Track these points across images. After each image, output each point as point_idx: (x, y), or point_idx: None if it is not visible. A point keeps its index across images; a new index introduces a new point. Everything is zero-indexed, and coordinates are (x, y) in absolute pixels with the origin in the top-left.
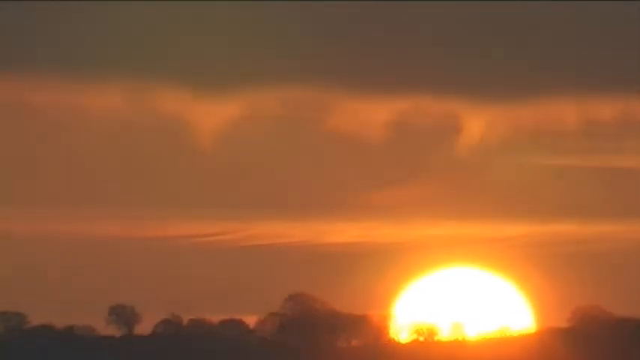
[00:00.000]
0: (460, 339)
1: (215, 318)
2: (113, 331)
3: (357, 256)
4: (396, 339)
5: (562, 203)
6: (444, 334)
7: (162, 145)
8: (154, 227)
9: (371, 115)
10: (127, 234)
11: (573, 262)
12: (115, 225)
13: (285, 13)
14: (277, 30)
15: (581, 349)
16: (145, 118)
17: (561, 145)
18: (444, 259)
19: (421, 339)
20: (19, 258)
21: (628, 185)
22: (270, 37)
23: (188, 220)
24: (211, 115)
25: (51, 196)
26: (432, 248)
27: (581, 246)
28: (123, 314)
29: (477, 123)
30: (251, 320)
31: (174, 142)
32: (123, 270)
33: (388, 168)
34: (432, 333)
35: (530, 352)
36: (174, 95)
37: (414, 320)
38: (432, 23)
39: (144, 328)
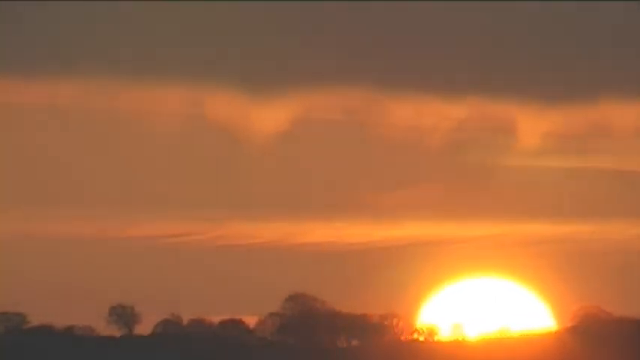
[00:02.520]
0: (460, 339)
1: (215, 318)
2: (113, 331)
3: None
4: (397, 339)
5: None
6: (444, 334)
7: (214, 148)
8: (184, 227)
9: (424, 118)
10: (134, 234)
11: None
12: (121, 225)
13: (340, 15)
14: (331, 32)
15: (582, 349)
16: (201, 122)
17: (619, 147)
18: (468, 263)
19: (421, 339)
20: (19, 258)
21: None
22: (325, 40)
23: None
24: (263, 119)
25: (62, 198)
26: (448, 249)
27: None
28: (123, 314)
29: (531, 126)
30: (251, 320)
31: (226, 146)
32: (123, 270)
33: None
34: (431, 333)
35: (529, 352)
36: (229, 99)
37: (414, 321)
38: (489, 26)
39: (144, 328)
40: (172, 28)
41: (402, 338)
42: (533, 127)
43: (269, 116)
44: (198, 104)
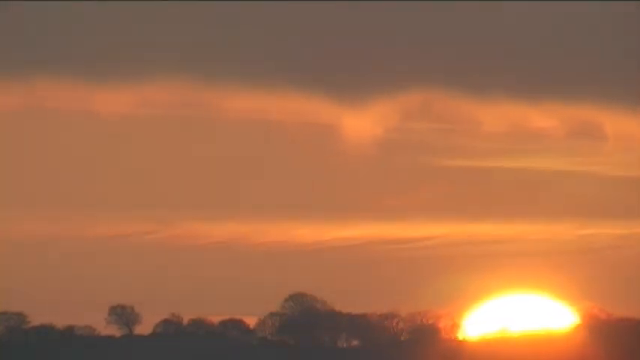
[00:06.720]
0: (460, 339)
1: (215, 318)
2: (113, 331)
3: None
4: (396, 338)
5: None
6: (444, 334)
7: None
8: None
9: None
10: (134, 232)
11: None
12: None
13: (431, 19)
14: (422, 37)
15: (582, 348)
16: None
17: None
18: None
19: (422, 338)
20: (19, 258)
21: None
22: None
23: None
24: (353, 124)
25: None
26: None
27: None
28: (123, 314)
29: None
30: (251, 321)
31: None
32: (124, 269)
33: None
34: (432, 333)
35: (529, 352)
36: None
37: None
38: (576, 30)
39: (144, 328)
40: (262, 33)
41: (402, 338)
42: (617, 131)
43: (357, 123)
44: (288, 110)
